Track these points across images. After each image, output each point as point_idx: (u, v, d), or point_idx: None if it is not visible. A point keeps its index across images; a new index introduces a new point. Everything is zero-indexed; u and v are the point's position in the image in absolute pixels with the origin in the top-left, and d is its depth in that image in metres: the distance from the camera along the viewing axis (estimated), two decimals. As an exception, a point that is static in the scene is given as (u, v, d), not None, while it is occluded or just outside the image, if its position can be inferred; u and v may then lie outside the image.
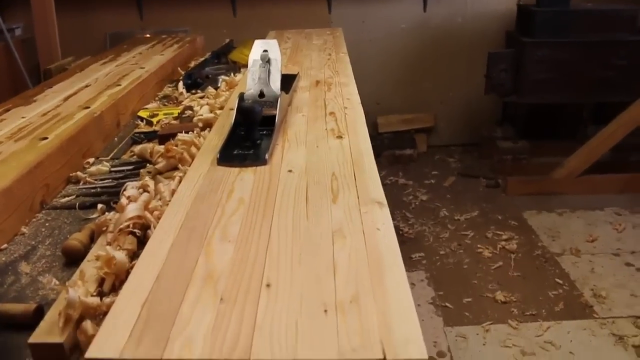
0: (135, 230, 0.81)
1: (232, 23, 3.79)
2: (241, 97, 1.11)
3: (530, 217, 3.15)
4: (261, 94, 1.13)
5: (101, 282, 0.74)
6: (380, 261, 0.64)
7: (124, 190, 0.92)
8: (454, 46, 3.93)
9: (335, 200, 0.79)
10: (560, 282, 2.56)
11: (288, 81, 1.37)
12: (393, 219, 2.73)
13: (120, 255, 0.74)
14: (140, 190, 0.96)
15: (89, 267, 0.75)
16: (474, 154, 4.05)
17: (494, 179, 3.56)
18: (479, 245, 2.87)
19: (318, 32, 2.29)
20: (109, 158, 1.26)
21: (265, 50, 1.18)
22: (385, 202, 0.79)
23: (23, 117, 1.30)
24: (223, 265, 0.64)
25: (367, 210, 0.76)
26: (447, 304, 2.44)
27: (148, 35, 2.93)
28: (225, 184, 0.86)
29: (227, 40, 2.34)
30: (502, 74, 3.52)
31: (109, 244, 0.81)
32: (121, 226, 0.81)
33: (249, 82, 1.15)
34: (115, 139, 1.39)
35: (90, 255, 0.80)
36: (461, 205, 3.31)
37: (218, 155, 0.94)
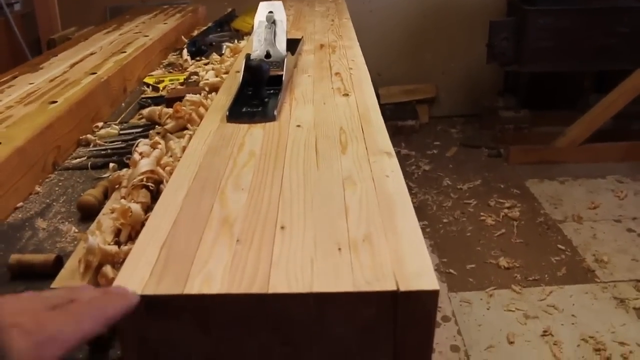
0: (149, 184, 0.83)
1: (233, -6, 3.76)
2: (248, 57, 1.12)
3: (532, 186, 3.17)
4: (267, 55, 1.14)
5: (118, 232, 0.76)
6: (390, 203, 0.66)
7: (136, 146, 0.94)
8: (456, 16, 3.91)
9: (345, 151, 0.81)
10: (563, 248, 2.59)
11: (293, 44, 1.38)
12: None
13: (136, 207, 0.76)
14: (152, 147, 0.97)
15: (106, 219, 0.77)
16: (475, 125, 4.06)
17: (496, 149, 3.57)
18: (482, 213, 2.89)
19: (320, 0, 2.28)
20: (118, 122, 1.27)
21: (271, 12, 1.18)
22: (393, 152, 0.80)
23: (31, 83, 1.32)
24: (238, 211, 0.66)
25: (376, 159, 0.78)
26: (451, 270, 2.47)
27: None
28: (235, 138, 0.88)
29: (230, 10, 2.34)
30: (503, 42, 3.51)
31: (123, 198, 0.83)
32: (134, 180, 0.83)
33: (255, 44, 1.16)
34: (123, 104, 1.40)
35: (106, 209, 0.82)
36: (464, 175, 3.33)
37: (227, 113, 0.95)
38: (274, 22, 1.17)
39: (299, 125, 0.91)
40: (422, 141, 3.82)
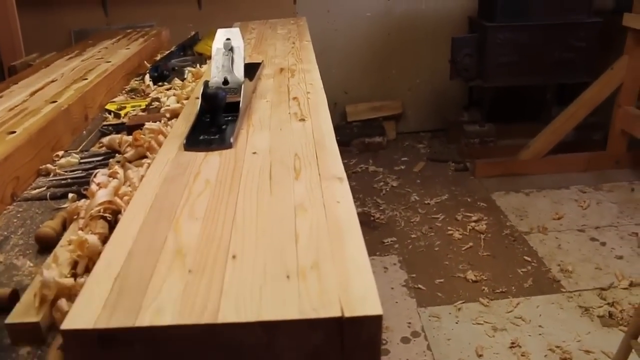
0: (106, 215, 0.84)
1: (198, 16, 3.79)
2: (206, 84, 1.14)
3: (498, 198, 3.23)
4: (225, 82, 1.16)
5: (75, 264, 0.76)
6: (339, 230, 0.68)
7: (94, 177, 0.95)
8: (419, 33, 3.99)
9: (298, 177, 0.83)
10: (529, 259, 2.64)
11: (252, 69, 1.40)
12: (364, 206, 2.78)
13: (93, 238, 0.77)
14: (110, 177, 0.98)
15: (63, 251, 0.78)
16: (442, 139, 4.13)
17: (463, 163, 3.64)
18: (449, 228, 2.94)
19: (282, 22, 2.31)
20: (78, 150, 1.27)
21: (228, 39, 1.21)
22: (344, 176, 0.83)
23: (-11, 113, 1.31)
24: (191, 241, 0.68)
25: (328, 185, 0.80)
26: (420, 286, 2.50)
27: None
28: (192, 167, 0.89)
29: (193, 33, 2.36)
30: (466, 58, 3.59)
31: (81, 229, 0.84)
32: (92, 211, 0.83)
33: (213, 71, 1.18)
34: (84, 132, 1.40)
35: (63, 241, 0.82)
36: (431, 190, 3.38)
37: (184, 141, 0.97)
38: (231, 49, 1.19)
39: (254, 152, 0.93)
40: (389, 157, 3.87)
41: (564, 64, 3.57)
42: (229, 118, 1.07)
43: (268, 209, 0.74)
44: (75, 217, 0.89)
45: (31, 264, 0.78)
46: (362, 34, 3.98)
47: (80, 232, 0.82)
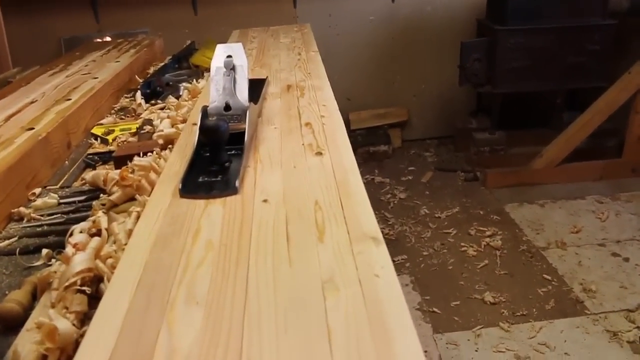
0: (84, 288, 0.67)
1: (194, 22, 3.63)
2: (204, 111, 0.97)
3: (512, 210, 3.08)
4: (227, 107, 1.00)
5: (44, 358, 0.60)
6: (384, 320, 0.52)
7: (70, 235, 0.78)
8: (425, 37, 3.84)
9: (322, 237, 0.67)
10: (549, 277, 2.48)
11: (256, 87, 1.24)
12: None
13: (65, 325, 0.60)
14: (93, 230, 0.82)
15: (26, 343, 0.61)
16: (449, 147, 3.97)
17: (472, 172, 3.48)
18: (462, 244, 2.78)
19: (285, 29, 2.15)
20: (58, 186, 1.11)
21: (229, 56, 1.04)
22: (380, 235, 0.66)
23: (-45, 143, 1.14)
24: (191, 341, 0.51)
25: (361, 249, 0.64)
26: (435, 309, 2.34)
27: (108, 39, 2.76)
28: (190, 221, 0.73)
29: (189, 42, 2.19)
30: (475, 63, 3.43)
31: (53, 305, 0.67)
32: (67, 283, 0.67)
33: (213, 94, 1.01)
34: (66, 162, 1.23)
35: (30, 322, 0.66)
36: (441, 202, 3.22)
37: (180, 185, 0.81)
38: (233, 68, 1.03)
39: (265, 200, 0.77)
40: (396, 167, 3.71)
41: (578, 69, 3.41)
42: (233, 152, 0.91)
43: (288, 287, 0.58)
44: (47, 285, 0.72)
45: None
46: (366, 38, 3.82)
47: (51, 311, 0.65)
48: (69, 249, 0.73)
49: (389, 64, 3.89)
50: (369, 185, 3.39)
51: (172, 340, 0.52)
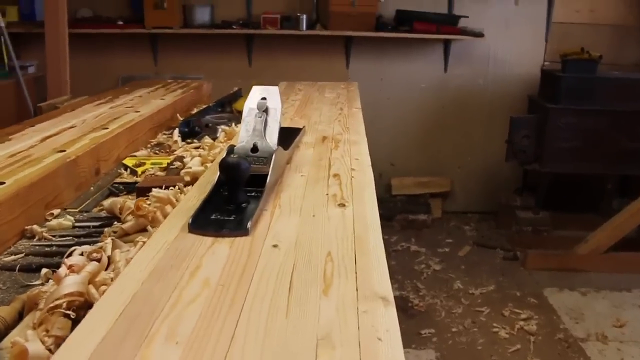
0: (69, 312, 0.63)
1: (247, 72, 3.70)
2: (230, 150, 0.95)
3: (551, 295, 2.92)
4: (254, 148, 0.97)
5: (9, 383, 0.55)
6: (380, 393, 0.46)
7: (67, 255, 0.75)
8: (474, 109, 3.80)
9: (327, 290, 0.61)
10: (585, 373, 2.31)
11: (290, 135, 1.21)
12: (402, 290, 2.48)
13: (37, 348, 0.56)
14: (96, 255, 0.78)
15: (-4, 362, 0.57)
16: (491, 223, 3.85)
17: (512, 251, 3.35)
18: (494, 324, 2.63)
19: (332, 85, 2.15)
20: (77, 210, 1.09)
21: (264, 98, 1.02)
22: (391, 297, 0.60)
23: (-12, 158, 1.15)
24: (158, 384, 0.46)
25: (367, 308, 0.58)
26: (458, 391, 2.20)
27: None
28: (192, 257, 0.68)
29: (235, 89, 2.21)
30: (524, 140, 3.36)
31: (34, 326, 0.63)
32: (52, 304, 0.63)
33: (242, 134, 0.99)
34: (92, 188, 1.22)
35: (7, 341, 0.62)
36: (476, 278, 3.09)
37: (190, 220, 0.77)
38: (266, 110, 1.00)
39: (275, 245, 0.72)
40: (433, 237, 3.61)
41: (631, 154, 3.30)
42: (253, 194, 0.87)
43: (279, 340, 0.52)
44: (34, 305, 0.68)
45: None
46: (415, 105, 3.81)
47: (30, 332, 0.61)
48: (62, 270, 0.69)
49: (436, 132, 3.85)
50: (404, 254, 3.30)
51: (140, 381, 0.46)
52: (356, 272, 0.65)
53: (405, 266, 3.13)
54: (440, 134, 3.86)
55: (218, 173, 0.88)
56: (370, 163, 1.10)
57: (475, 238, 3.62)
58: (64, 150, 1.20)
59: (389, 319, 0.56)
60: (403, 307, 2.70)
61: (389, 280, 0.64)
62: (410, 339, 2.47)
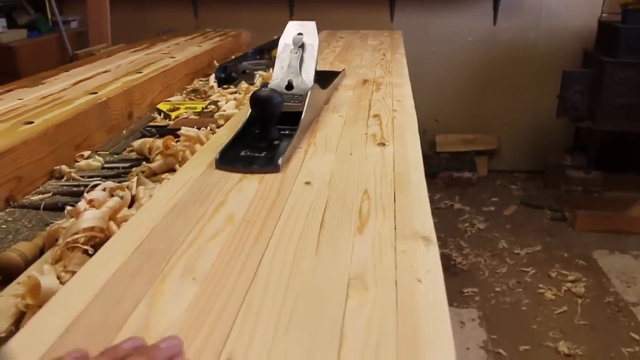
0: (87, 248, 0.59)
1: (289, 26, 3.61)
2: (263, 85, 0.89)
3: (600, 258, 2.80)
4: (289, 86, 0.90)
5: (20, 317, 0.52)
6: (417, 337, 0.40)
7: (88, 190, 0.71)
8: (524, 64, 3.62)
9: (362, 229, 0.55)
10: (637, 337, 2.21)
11: (329, 77, 1.15)
12: (445, 248, 2.40)
13: (51, 282, 0.52)
14: (119, 193, 0.74)
15: (8, 296, 0.54)
16: (539, 183, 3.71)
17: (561, 212, 3.22)
18: (540, 285, 2.54)
19: (375, 33, 2.06)
20: (108, 152, 1.05)
21: (300, 33, 0.95)
22: (434, 237, 0.54)
23: (20, 99, 1.12)
24: (169, 321, 0.41)
25: (407, 248, 0.52)
26: (501, 351, 2.13)
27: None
28: (217, 193, 0.64)
29: (275, 37, 2.14)
30: (576, 95, 3.19)
31: (53, 262, 0.60)
32: (69, 239, 0.59)
33: (276, 71, 0.93)
34: (124, 131, 1.19)
35: (23, 277, 0.59)
36: (522, 238, 2.99)
37: (218, 155, 0.72)
38: (302, 46, 0.94)
39: (308, 182, 0.66)
40: (478, 196, 3.50)
41: (694, 113, 3.09)
42: (287, 132, 0.81)
43: (307, 278, 0.47)
44: (54, 241, 0.65)
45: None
46: (461, 59, 3.65)
47: (46, 266, 0.58)
48: (81, 204, 0.65)
49: (483, 88, 3.70)
50: (447, 212, 3.22)
51: (150, 315, 0.42)
52: (395, 211, 0.59)
53: (448, 224, 3.04)
54: (488, 89, 3.70)
55: (250, 110, 0.83)
56: (413, 105, 1.02)
57: (522, 197, 3.50)
58: (96, 93, 1.17)
59: (430, 259, 0.50)
60: (445, 265, 2.63)
61: (432, 219, 0.57)
62: (452, 297, 2.41)
